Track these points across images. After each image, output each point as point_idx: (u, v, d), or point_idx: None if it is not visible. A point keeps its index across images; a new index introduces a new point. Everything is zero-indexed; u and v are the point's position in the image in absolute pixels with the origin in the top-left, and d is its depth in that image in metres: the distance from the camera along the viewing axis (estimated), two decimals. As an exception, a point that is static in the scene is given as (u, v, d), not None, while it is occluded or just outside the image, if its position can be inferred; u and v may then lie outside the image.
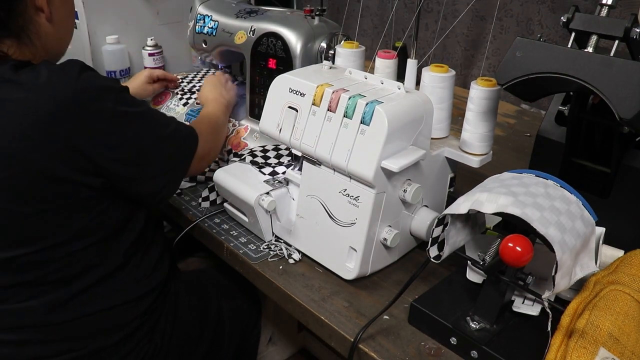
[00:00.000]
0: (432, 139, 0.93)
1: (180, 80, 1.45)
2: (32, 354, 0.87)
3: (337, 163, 0.84)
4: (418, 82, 0.99)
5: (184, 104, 1.37)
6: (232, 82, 1.34)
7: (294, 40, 1.13)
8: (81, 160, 0.80)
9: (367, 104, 0.81)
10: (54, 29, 0.87)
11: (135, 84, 1.32)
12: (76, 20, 1.41)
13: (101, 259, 0.89)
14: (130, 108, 0.84)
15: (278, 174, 1.01)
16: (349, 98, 0.83)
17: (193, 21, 1.36)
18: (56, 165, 0.78)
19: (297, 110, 0.90)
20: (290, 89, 0.91)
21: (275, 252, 0.97)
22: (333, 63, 1.02)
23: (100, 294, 0.90)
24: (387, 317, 0.82)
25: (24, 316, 0.85)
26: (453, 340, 0.75)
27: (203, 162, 1.02)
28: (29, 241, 0.82)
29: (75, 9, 1.39)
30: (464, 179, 1.11)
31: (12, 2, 0.80)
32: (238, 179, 1.00)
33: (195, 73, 1.52)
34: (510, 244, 0.67)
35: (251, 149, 1.12)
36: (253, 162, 1.05)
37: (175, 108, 1.38)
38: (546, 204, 0.69)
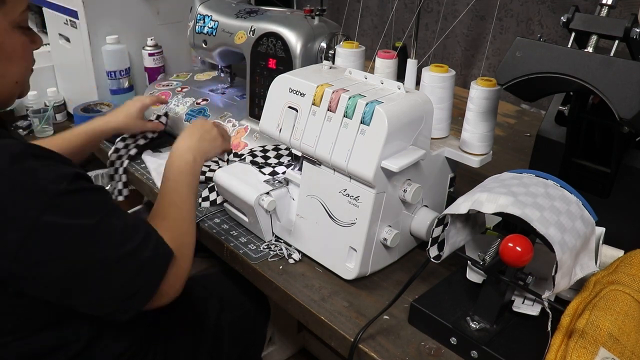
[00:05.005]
0: (432, 139, 0.93)
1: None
2: None
3: (337, 163, 0.84)
4: (418, 82, 0.99)
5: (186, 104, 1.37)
6: (225, 134, 1.10)
7: (294, 40, 1.13)
8: None
9: (367, 104, 0.81)
10: None
11: (126, 116, 1.18)
12: (76, 20, 1.41)
13: (62, 340, 0.79)
14: (63, 219, 0.66)
15: (278, 174, 1.01)
16: (349, 98, 0.83)
17: (193, 21, 1.36)
18: None
19: (297, 110, 0.90)
20: (290, 89, 0.91)
21: (275, 252, 0.97)
22: (333, 63, 1.02)
23: None
24: (387, 317, 0.82)
25: None
26: (453, 340, 0.75)
27: (171, 290, 0.80)
28: None
29: (75, 9, 1.39)
30: (464, 179, 1.11)
31: None
32: (238, 179, 1.00)
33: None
34: (510, 244, 0.67)
35: (251, 149, 1.12)
36: (253, 162, 1.05)
37: (175, 108, 1.38)
38: (546, 204, 0.69)
